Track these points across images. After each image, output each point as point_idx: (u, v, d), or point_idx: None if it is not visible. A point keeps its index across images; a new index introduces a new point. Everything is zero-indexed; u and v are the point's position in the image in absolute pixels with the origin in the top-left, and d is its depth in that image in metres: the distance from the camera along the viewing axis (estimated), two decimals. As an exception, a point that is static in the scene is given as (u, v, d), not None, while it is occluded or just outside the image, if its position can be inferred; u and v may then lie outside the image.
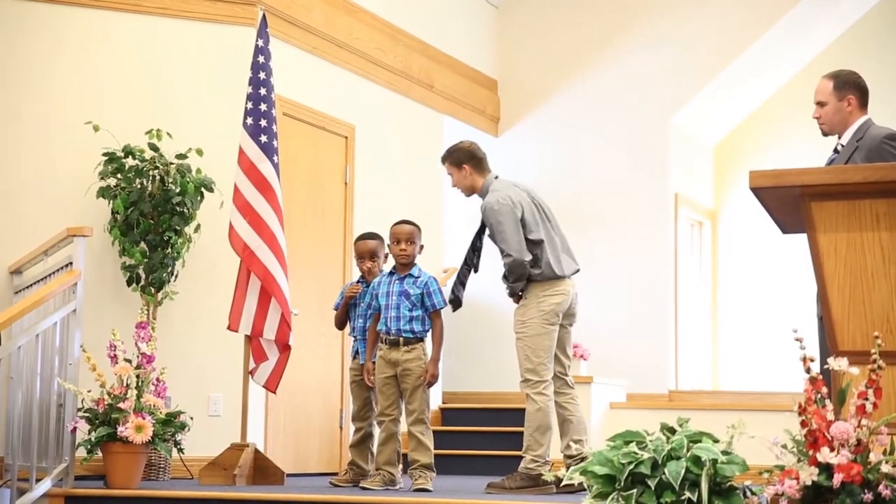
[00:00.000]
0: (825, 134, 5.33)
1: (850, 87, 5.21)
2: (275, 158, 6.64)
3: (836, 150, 5.27)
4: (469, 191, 6.30)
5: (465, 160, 6.22)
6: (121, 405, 5.75)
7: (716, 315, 11.09)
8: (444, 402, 9.52)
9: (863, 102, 5.23)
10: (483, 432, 8.72)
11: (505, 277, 6.07)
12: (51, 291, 5.87)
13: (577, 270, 6.20)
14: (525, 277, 5.99)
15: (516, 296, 6.09)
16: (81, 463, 5.91)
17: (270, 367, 6.61)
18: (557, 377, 6.07)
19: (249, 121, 6.64)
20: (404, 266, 6.18)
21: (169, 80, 7.33)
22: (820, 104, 5.26)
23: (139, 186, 6.84)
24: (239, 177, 6.60)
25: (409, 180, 9.18)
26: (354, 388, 6.50)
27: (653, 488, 3.91)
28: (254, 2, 7.44)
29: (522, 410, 8.68)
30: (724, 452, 3.96)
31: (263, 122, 6.64)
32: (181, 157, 6.95)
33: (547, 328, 5.97)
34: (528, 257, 5.96)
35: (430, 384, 6.13)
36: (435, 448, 6.13)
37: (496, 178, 6.25)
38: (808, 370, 3.85)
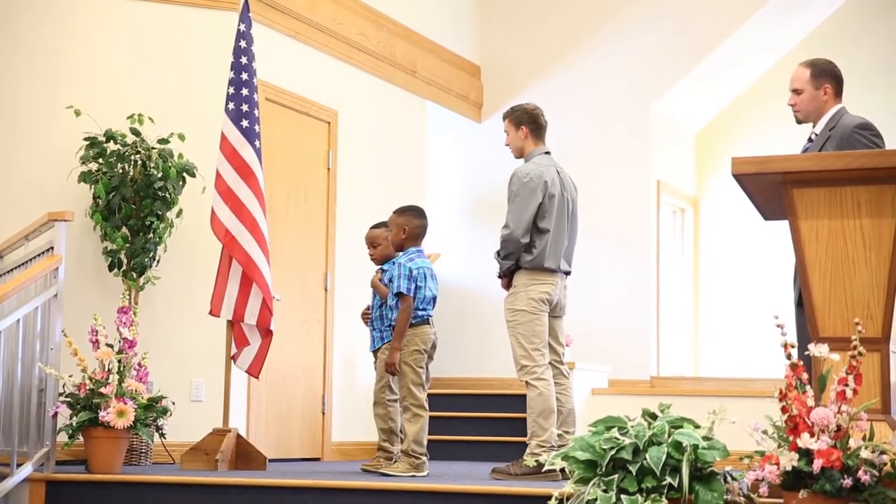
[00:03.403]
0: (799, 121, 5.37)
1: (827, 75, 5.25)
2: (257, 143, 6.62)
3: (810, 140, 5.30)
4: (518, 153, 6.27)
5: (525, 122, 6.21)
6: (102, 390, 5.73)
7: (697, 301, 11.13)
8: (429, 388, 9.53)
9: (838, 91, 5.27)
10: (466, 418, 8.73)
11: (497, 253, 6.07)
12: (32, 276, 5.85)
13: (568, 272, 6.21)
14: (514, 257, 5.99)
15: (506, 278, 6.09)
16: (63, 448, 5.90)
17: (253, 353, 6.61)
18: (553, 366, 6.07)
19: (231, 105, 6.62)
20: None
21: (151, 64, 7.30)
22: (796, 91, 5.29)
23: (121, 171, 6.82)
24: (221, 162, 6.58)
25: (392, 166, 9.17)
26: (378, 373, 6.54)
27: (634, 474, 3.92)
28: (236, -14, 7.42)
29: (506, 396, 8.78)
30: (705, 438, 3.98)
31: (245, 107, 6.62)
32: (163, 141, 6.92)
33: (537, 313, 5.98)
34: (525, 240, 5.96)
35: (389, 371, 6.20)
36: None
37: (546, 153, 6.23)
38: (788, 356, 3.87)
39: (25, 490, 5.66)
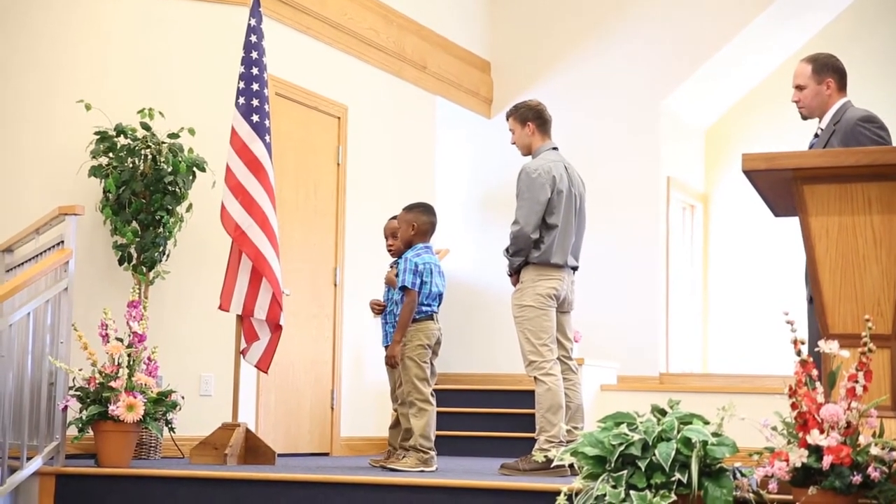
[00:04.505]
0: (804, 118, 5.34)
1: (829, 69, 5.21)
2: (267, 138, 6.63)
3: (816, 135, 5.28)
4: (526, 150, 6.25)
5: (531, 118, 6.19)
6: (112, 384, 5.75)
7: (707, 298, 11.11)
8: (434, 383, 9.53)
9: (841, 85, 5.22)
10: (474, 413, 8.73)
11: (506, 250, 6.07)
12: (42, 270, 5.86)
13: (576, 268, 6.21)
14: (524, 254, 5.98)
15: (516, 275, 6.09)
16: (72, 441, 5.91)
17: (262, 347, 6.62)
18: (561, 361, 6.07)
19: (241, 100, 6.63)
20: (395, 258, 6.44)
21: (161, 59, 7.31)
22: (799, 87, 5.26)
23: (131, 165, 6.83)
24: (231, 157, 6.59)
25: (401, 161, 9.17)
26: (388, 369, 6.52)
27: (643, 469, 3.92)
28: (247, -19, 7.42)
29: (514, 392, 8.77)
30: (715, 434, 3.98)
31: (255, 102, 6.62)
32: (173, 136, 6.93)
33: (545, 309, 5.97)
34: (535, 236, 5.95)
35: (388, 364, 6.24)
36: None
37: (554, 149, 6.22)
38: (798, 353, 3.87)
39: (35, 483, 5.68)
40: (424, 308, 6.20)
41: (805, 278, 5.16)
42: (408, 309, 6.13)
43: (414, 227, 6.31)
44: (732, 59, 10.13)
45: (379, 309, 6.47)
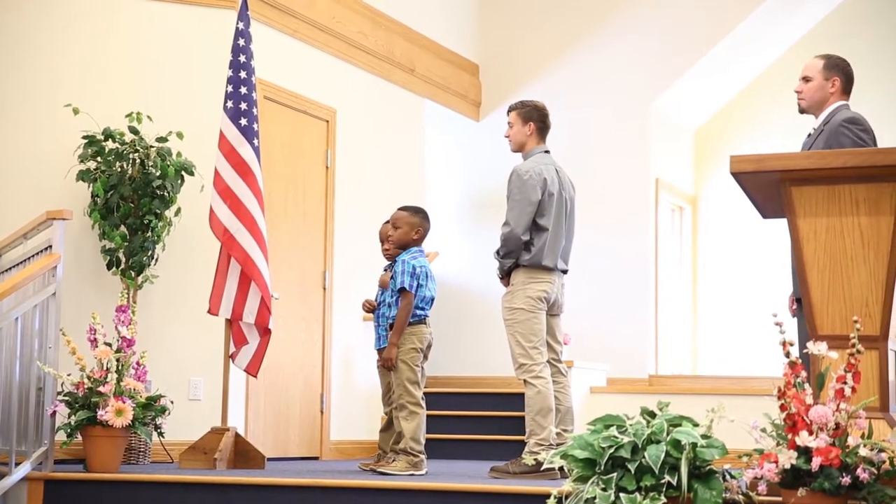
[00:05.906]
0: (801, 111, 5.37)
1: (839, 70, 5.29)
2: (255, 142, 6.62)
3: (809, 135, 5.32)
4: (518, 147, 6.26)
5: (535, 119, 6.22)
6: (101, 389, 5.73)
7: (696, 300, 11.12)
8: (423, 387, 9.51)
9: (846, 88, 5.28)
10: (464, 416, 8.72)
11: (497, 252, 6.06)
12: (30, 275, 5.84)
13: (566, 271, 6.21)
14: (514, 256, 5.99)
15: (505, 277, 6.09)
16: (61, 447, 5.90)
17: (251, 351, 6.61)
18: (551, 364, 6.07)
19: (230, 104, 6.62)
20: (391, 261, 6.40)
21: (149, 62, 7.29)
22: (805, 79, 5.31)
23: (119, 170, 6.81)
24: (219, 160, 6.58)
25: (390, 164, 9.17)
26: (380, 372, 6.51)
27: (633, 472, 3.92)
28: (234, -16, 7.41)
29: (504, 395, 8.78)
30: (704, 436, 3.98)
31: (244, 106, 6.61)
32: (161, 140, 6.92)
33: (535, 312, 5.97)
34: (526, 237, 5.96)
35: (385, 366, 6.23)
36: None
37: (546, 152, 6.24)
38: (787, 354, 3.87)
39: (24, 489, 5.66)
40: (418, 312, 6.19)
41: (792, 278, 5.17)
42: (405, 311, 6.12)
43: (419, 232, 6.31)
44: (722, 60, 10.13)
45: (369, 307, 6.47)
